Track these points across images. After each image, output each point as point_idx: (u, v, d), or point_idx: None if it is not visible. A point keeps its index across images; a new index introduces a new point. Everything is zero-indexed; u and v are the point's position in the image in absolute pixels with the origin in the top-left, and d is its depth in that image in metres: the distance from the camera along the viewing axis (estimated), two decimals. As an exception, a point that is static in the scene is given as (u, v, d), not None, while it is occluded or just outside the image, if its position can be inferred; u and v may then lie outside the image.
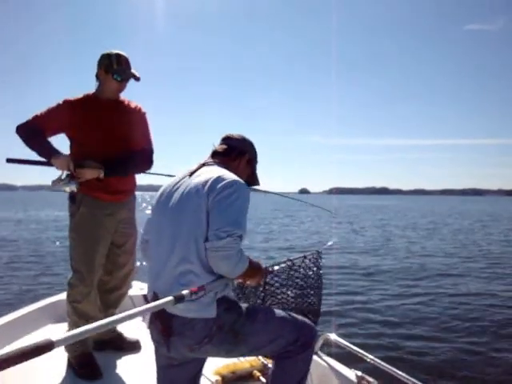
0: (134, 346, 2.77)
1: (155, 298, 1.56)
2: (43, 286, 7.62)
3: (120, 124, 2.54)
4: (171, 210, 1.67)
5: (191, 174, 1.72)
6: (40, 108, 2.52)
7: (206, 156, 1.87)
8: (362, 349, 2.14)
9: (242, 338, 1.60)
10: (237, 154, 1.86)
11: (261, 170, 1.97)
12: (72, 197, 2.51)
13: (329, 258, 11.03)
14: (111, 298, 2.74)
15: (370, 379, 2.02)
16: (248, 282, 1.79)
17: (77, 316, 2.49)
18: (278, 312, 1.74)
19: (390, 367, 1.95)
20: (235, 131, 1.93)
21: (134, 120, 2.61)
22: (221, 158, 1.83)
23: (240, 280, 1.76)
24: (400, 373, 1.89)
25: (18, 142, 2.41)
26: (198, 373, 1.83)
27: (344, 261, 10.76)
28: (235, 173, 1.73)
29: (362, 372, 2.09)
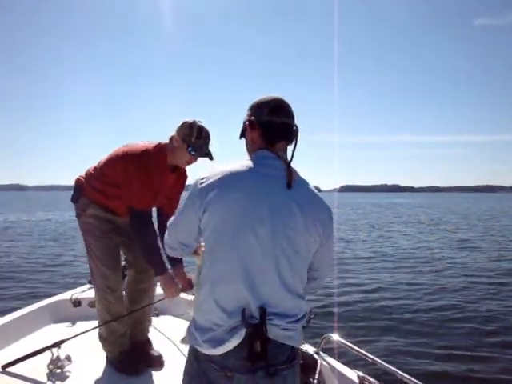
0: (157, 362, 2.61)
1: (262, 312, 1.22)
2: (43, 285, 7.69)
3: (166, 191, 2.57)
4: (272, 220, 1.28)
5: (288, 182, 1.35)
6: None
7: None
8: (363, 349, 2.12)
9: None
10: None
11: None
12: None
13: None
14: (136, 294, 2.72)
15: (372, 379, 2.01)
16: None
17: (109, 314, 2.50)
18: None
19: (391, 367, 1.93)
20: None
21: (178, 188, 2.65)
22: (286, 147, 1.42)
23: None
24: (401, 373, 1.87)
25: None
26: None
27: (344, 260, 10.70)
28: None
29: (364, 372, 2.07)
